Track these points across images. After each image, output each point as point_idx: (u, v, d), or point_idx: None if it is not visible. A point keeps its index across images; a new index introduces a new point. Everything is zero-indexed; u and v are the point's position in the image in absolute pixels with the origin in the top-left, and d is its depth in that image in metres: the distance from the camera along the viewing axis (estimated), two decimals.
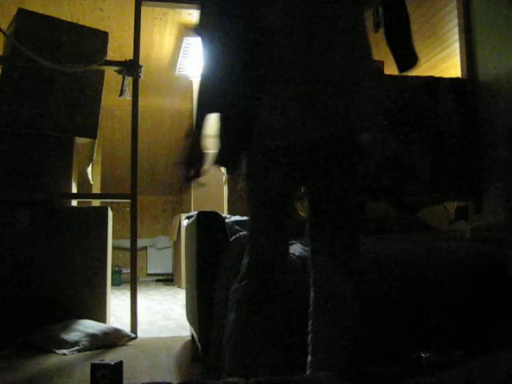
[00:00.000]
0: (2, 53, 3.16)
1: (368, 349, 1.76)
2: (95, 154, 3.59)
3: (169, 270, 6.71)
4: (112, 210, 3.18)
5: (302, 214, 3.28)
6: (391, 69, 4.30)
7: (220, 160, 1.42)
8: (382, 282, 1.91)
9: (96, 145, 3.43)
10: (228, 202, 3.33)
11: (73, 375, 2.05)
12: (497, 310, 1.91)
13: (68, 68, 2.90)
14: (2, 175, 2.88)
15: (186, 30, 4.14)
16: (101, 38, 3.15)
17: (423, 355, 1.82)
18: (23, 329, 2.60)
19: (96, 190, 5.08)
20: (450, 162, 2.89)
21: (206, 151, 1.43)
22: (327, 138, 1.31)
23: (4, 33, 2.95)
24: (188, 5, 3.46)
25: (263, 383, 0.80)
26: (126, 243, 3.21)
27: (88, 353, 2.44)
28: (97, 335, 2.57)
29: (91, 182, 3.98)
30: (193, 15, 3.95)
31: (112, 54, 3.29)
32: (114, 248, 3.83)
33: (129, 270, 3.00)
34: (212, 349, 1.82)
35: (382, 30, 3.26)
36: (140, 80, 3.02)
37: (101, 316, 2.85)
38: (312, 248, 1.39)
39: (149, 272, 6.78)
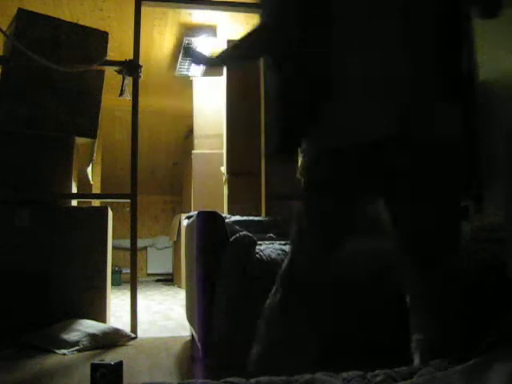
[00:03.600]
0: (2, 53, 3.16)
1: (367, 349, 1.76)
2: (95, 154, 3.59)
3: (169, 269, 6.71)
4: (112, 210, 3.18)
5: None
6: None
7: (277, 147, 1.30)
8: (380, 282, 1.91)
9: (96, 145, 3.43)
10: (228, 202, 3.33)
11: (73, 375, 2.05)
12: (496, 311, 1.91)
13: (68, 68, 2.90)
14: (2, 175, 2.88)
15: (187, 29, 4.14)
16: (101, 38, 3.15)
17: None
18: (23, 329, 2.60)
19: (96, 190, 5.08)
20: None
21: None
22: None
23: (4, 33, 2.94)
24: (188, 5, 3.46)
25: (263, 383, 0.80)
26: (126, 243, 3.21)
27: (88, 353, 2.44)
28: (97, 335, 2.57)
29: (91, 182, 3.97)
30: (193, 15, 3.94)
31: (112, 53, 3.28)
32: (114, 248, 3.83)
33: (129, 270, 3.00)
34: (212, 349, 1.82)
35: None
36: (140, 80, 3.02)
37: (101, 316, 2.85)
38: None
39: (149, 272, 6.78)
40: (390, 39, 1.20)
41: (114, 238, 3.38)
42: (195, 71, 4.88)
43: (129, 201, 2.99)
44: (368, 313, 1.84)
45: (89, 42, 3.08)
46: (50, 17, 3.10)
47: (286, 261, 1.31)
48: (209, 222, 2.03)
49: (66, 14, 3.73)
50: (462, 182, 1.27)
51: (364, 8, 1.22)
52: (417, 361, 1.21)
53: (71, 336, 2.51)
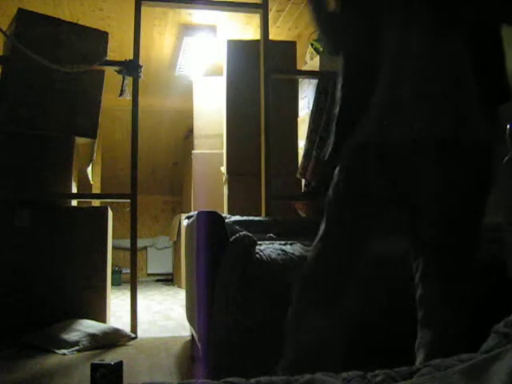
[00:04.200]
0: (2, 53, 3.16)
1: (368, 349, 1.76)
2: (95, 154, 3.59)
3: (169, 270, 6.71)
4: (112, 210, 3.18)
5: (303, 214, 3.28)
6: None
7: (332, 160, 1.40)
8: (381, 283, 1.91)
9: (96, 145, 3.43)
10: (228, 202, 3.33)
11: (73, 375, 2.05)
12: (496, 311, 1.91)
13: (68, 68, 2.90)
14: (2, 175, 2.88)
15: (187, 29, 4.14)
16: (101, 38, 3.15)
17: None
18: (23, 329, 2.60)
19: (96, 190, 5.09)
20: None
21: None
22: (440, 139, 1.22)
23: (4, 33, 2.94)
24: (188, 5, 3.46)
25: (263, 383, 0.80)
26: (126, 243, 3.21)
27: (88, 353, 2.44)
28: (97, 335, 2.57)
29: (91, 182, 3.97)
30: (193, 15, 3.95)
31: (112, 53, 3.28)
32: (114, 248, 3.83)
33: (129, 270, 3.00)
34: (212, 349, 1.82)
35: None
36: (140, 80, 3.02)
37: (101, 316, 2.85)
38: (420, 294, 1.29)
39: (149, 272, 6.77)
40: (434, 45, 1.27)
41: (114, 238, 3.38)
42: (195, 71, 4.88)
43: (129, 201, 2.99)
44: (386, 312, 1.85)
45: (89, 42, 3.08)
46: (50, 17, 3.10)
47: (310, 258, 1.36)
48: (209, 221, 2.03)
49: (66, 14, 3.73)
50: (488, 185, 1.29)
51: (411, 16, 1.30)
52: (420, 358, 1.22)
53: (71, 336, 2.51)
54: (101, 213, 3.02)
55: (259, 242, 2.00)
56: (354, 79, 1.40)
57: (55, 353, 2.40)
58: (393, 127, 1.25)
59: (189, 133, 5.57)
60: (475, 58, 1.27)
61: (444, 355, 0.83)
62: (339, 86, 1.44)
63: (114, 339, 2.63)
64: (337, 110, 1.44)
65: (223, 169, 3.58)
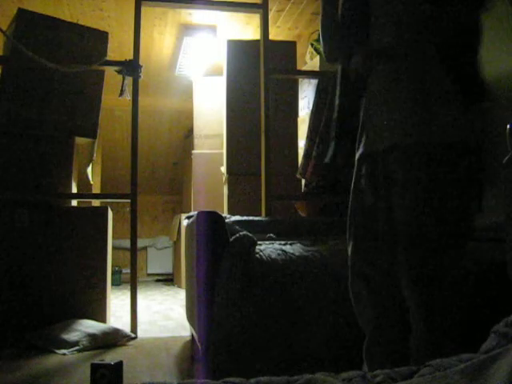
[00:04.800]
0: (2, 53, 3.16)
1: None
2: (95, 154, 3.58)
3: (169, 270, 6.71)
4: (112, 210, 3.18)
5: (303, 214, 3.28)
6: None
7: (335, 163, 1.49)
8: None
9: (96, 145, 3.42)
10: (228, 202, 3.33)
11: (73, 375, 2.05)
12: (496, 311, 1.91)
13: (68, 68, 2.90)
14: (2, 175, 2.88)
15: (187, 29, 4.14)
16: (101, 38, 3.15)
17: None
18: (23, 329, 2.60)
19: (96, 190, 5.08)
20: None
21: None
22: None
23: (4, 33, 2.94)
24: (188, 5, 3.45)
25: (263, 383, 0.80)
26: (126, 243, 3.22)
27: (88, 353, 2.44)
28: (97, 335, 2.57)
29: (91, 182, 3.97)
30: (193, 15, 3.95)
31: (112, 54, 3.29)
32: (114, 248, 3.83)
33: (129, 270, 3.00)
34: (212, 349, 1.82)
35: None
36: (140, 80, 3.02)
37: (101, 316, 2.85)
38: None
39: (149, 272, 6.77)
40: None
41: (114, 238, 3.38)
42: (195, 71, 4.88)
43: (129, 201, 2.99)
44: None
45: (89, 42, 3.08)
46: (50, 17, 3.10)
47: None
48: (209, 221, 2.03)
49: (65, 14, 3.73)
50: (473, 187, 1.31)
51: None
52: (414, 358, 1.23)
53: (71, 336, 2.51)
54: (101, 213, 3.02)
55: (259, 242, 2.00)
56: (348, 87, 1.46)
57: (55, 353, 2.40)
58: (375, 136, 1.32)
59: (189, 133, 5.57)
60: (448, 59, 1.30)
61: (439, 356, 0.84)
62: (337, 94, 1.48)
63: (114, 339, 2.63)
64: (335, 116, 1.48)
65: (223, 169, 3.58)
